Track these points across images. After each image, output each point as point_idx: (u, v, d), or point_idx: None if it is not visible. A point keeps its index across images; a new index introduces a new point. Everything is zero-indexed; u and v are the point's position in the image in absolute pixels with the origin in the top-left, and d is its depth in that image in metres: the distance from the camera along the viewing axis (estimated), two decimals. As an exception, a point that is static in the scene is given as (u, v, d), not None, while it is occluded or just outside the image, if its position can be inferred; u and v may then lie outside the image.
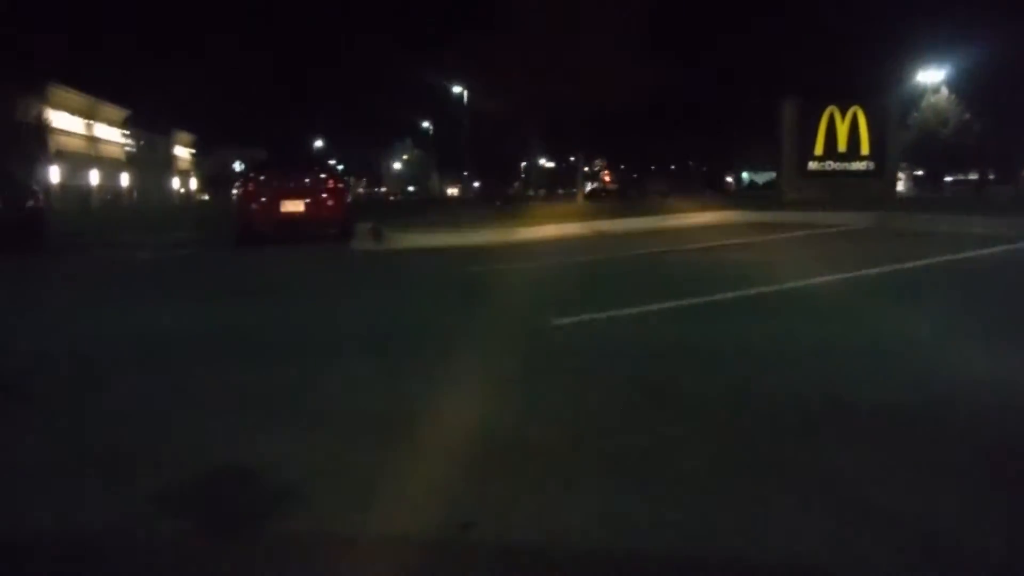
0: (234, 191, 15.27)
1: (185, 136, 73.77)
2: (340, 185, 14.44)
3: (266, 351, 4.53)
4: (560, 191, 60.78)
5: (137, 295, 7.81)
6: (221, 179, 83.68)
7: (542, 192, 61.23)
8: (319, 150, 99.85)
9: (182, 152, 74.58)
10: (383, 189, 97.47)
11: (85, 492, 2.46)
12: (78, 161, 46.89)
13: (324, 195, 14.08)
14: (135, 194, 57.41)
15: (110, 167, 53.53)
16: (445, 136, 67.17)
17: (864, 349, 4.19)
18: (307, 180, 14.34)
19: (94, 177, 49.17)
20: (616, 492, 2.33)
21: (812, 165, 20.66)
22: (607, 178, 76.64)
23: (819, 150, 20.59)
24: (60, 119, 44.76)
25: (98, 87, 49.67)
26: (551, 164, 69.23)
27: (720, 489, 2.33)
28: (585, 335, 4.81)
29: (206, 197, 73.45)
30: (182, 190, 71.69)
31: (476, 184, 69.36)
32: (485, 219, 16.52)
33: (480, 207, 28.16)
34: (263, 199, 13.85)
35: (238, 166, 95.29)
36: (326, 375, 3.89)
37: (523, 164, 73.27)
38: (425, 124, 74.35)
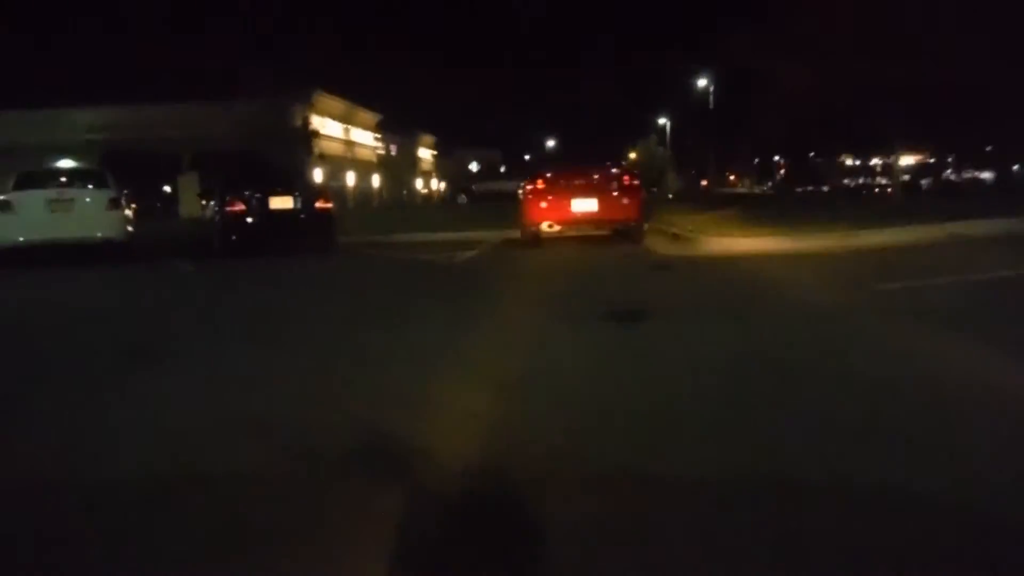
0: (519, 189, 14.37)
1: (428, 138, 76.80)
2: (635, 182, 12.94)
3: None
4: (802, 188, 56.04)
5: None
6: (458, 180, 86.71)
7: (808, 188, 56.53)
8: (551, 149, 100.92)
9: (425, 154, 77.72)
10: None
11: None
12: (337, 163, 49.69)
13: (618, 192, 12.69)
14: (383, 194, 60.30)
15: (363, 169, 56.50)
16: (685, 132, 64.49)
17: None
18: (600, 176, 12.97)
19: (350, 178, 51.97)
20: None
21: None
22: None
23: None
24: (322, 124, 47.60)
25: (354, 93, 52.43)
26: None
27: None
28: None
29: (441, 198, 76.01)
30: (425, 190, 74.72)
31: (703, 181, 65.81)
32: (796, 219, 14.33)
33: (766, 205, 25.67)
34: (552, 197, 12.67)
35: (474, 167, 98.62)
36: None
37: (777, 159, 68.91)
38: (662, 121, 71.94)
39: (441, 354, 4.81)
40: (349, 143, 53.93)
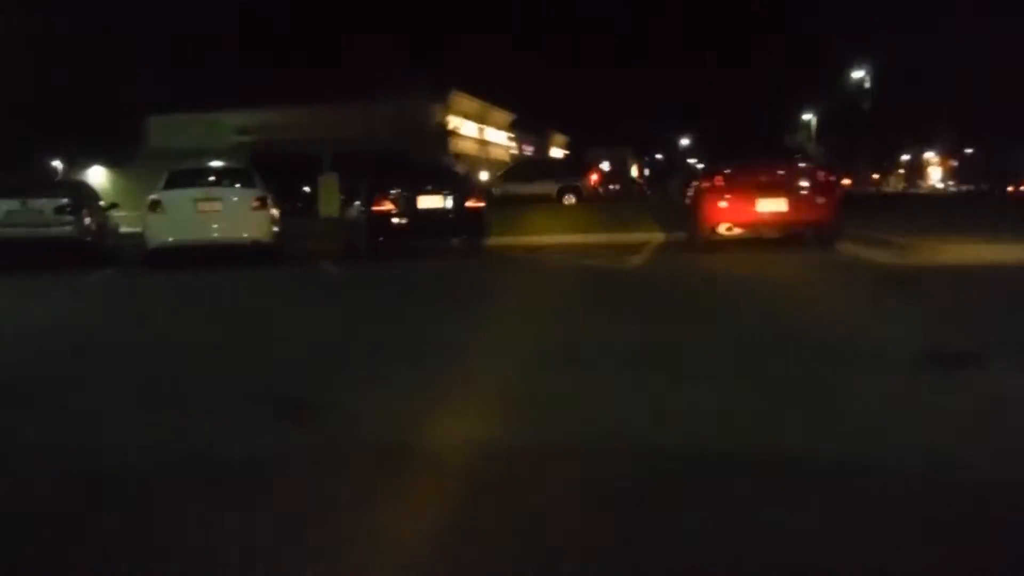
0: (690, 187, 12.89)
1: (559, 137, 75.78)
2: (831, 178, 11.18)
3: None
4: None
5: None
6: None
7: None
8: (685, 147, 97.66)
9: (557, 153, 76.78)
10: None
11: None
12: (471, 163, 49.34)
13: (811, 190, 10.95)
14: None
15: (496, 168, 56.01)
16: (831, 127, 60.48)
17: None
18: (789, 172, 11.28)
19: (484, 178, 51.56)
20: None
21: None
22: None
23: None
24: (458, 123, 47.33)
25: (489, 91, 51.91)
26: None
27: None
28: None
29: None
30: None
31: (845, 180, 61.04)
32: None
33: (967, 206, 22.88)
34: (733, 196, 11.08)
35: (606, 166, 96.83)
36: None
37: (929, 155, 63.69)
38: (807, 116, 67.93)
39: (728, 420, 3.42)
40: (483, 142, 53.56)
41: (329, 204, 42.96)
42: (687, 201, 13.96)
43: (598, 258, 11.47)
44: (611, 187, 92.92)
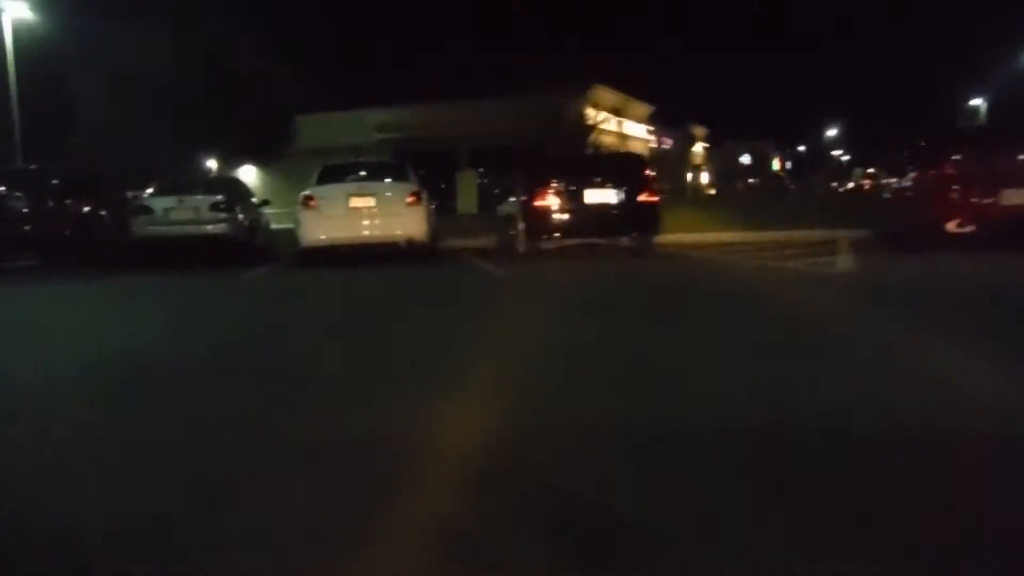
0: (907, 177, 11.08)
1: (699, 130, 73.12)
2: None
3: None
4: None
5: None
6: (727, 173, 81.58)
7: None
8: (830, 139, 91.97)
9: (695, 146, 74.13)
10: None
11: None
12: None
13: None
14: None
15: (634, 163, 54.35)
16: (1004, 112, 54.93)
17: None
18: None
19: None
20: None
21: None
22: None
23: None
24: (598, 117, 46.00)
25: (628, 84, 50.40)
26: None
27: None
28: None
29: (713, 192, 71.87)
30: (696, 184, 71.17)
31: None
32: None
33: None
34: (966, 188, 9.26)
35: (746, 159, 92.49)
36: None
37: None
38: (975, 102, 62.21)
39: None
40: (622, 136, 51.96)
41: (467, 200, 42.84)
42: (889, 195, 12.17)
43: (789, 259, 9.95)
44: (750, 181, 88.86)
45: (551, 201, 11.44)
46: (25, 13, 25.48)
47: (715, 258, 11.19)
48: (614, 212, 11.43)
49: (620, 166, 12.96)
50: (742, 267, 9.89)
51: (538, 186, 11.60)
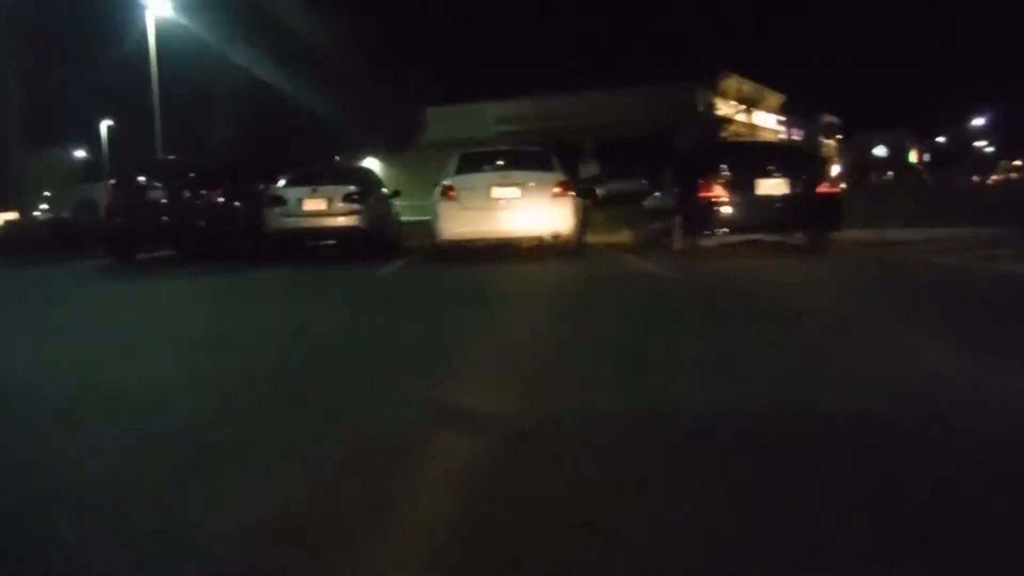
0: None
1: (832, 120, 69.35)
2: None
3: None
4: None
5: None
6: (859, 166, 76.94)
7: None
8: (974, 129, 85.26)
9: (826, 139, 70.31)
10: None
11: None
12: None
13: None
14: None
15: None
16: None
17: None
18: None
19: (752, 165, 47.74)
20: None
21: None
22: None
23: None
24: (728, 107, 43.97)
25: (759, 72, 47.98)
26: None
27: None
28: None
29: (843, 185, 67.85)
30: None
31: None
32: None
33: None
34: None
35: (881, 151, 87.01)
36: None
37: None
38: None
39: None
40: (752, 126, 49.54)
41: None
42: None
43: (987, 260, 8.44)
44: (888, 174, 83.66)
45: (719, 192, 10.20)
46: (168, 12, 26.31)
47: (908, 259, 9.67)
48: (789, 205, 10.09)
49: (789, 156, 11.56)
50: (950, 269, 8.39)
51: (704, 177, 10.37)
